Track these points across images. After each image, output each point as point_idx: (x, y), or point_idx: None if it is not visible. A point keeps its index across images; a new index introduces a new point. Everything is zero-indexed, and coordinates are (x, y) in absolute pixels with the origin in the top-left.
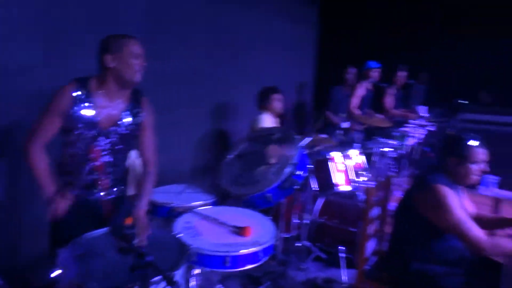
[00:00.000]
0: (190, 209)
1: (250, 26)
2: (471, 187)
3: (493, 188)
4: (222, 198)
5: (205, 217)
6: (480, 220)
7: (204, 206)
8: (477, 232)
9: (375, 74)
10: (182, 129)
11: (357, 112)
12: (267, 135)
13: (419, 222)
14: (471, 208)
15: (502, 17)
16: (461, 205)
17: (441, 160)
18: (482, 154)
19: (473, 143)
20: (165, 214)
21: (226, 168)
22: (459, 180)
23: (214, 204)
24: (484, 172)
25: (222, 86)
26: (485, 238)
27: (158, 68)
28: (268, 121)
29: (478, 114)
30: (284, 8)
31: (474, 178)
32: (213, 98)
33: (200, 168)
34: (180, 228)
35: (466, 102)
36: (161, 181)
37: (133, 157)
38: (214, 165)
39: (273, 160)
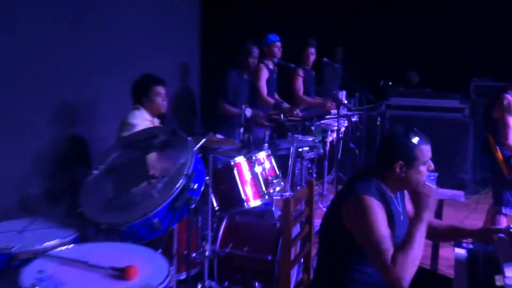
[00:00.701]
0: (41, 253)
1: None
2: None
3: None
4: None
5: (66, 260)
6: (430, 231)
7: (61, 246)
8: (387, 259)
9: (276, 49)
10: (17, 139)
11: (271, 100)
12: (146, 139)
13: (346, 237)
14: None
15: None
16: (403, 217)
17: (381, 166)
18: (429, 152)
19: (419, 140)
20: (2, 265)
21: (91, 188)
22: (406, 186)
23: (76, 241)
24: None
25: (73, 78)
26: (394, 265)
27: None
28: (142, 120)
29: (407, 98)
30: None
31: (423, 181)
32: (62, 95)
33: (50, 191)
34: (32, 280)
35: (392, 83)
36: None
37: None
38: (71, 186)
39: (157, 173)
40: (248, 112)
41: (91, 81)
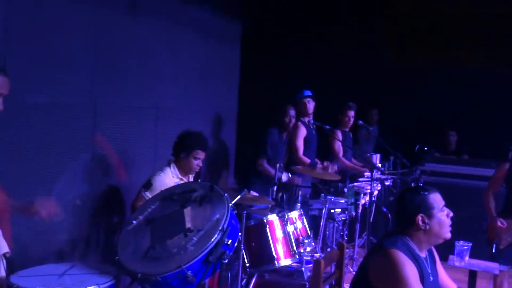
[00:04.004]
0: None
1: (147, 39)
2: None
3: (466, 258)
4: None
5: None
6: None
7: None
8: None
9: (307, 104)
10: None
11: (307, 160)
12: (185, 192)
13: None
14: (450, 283)
15: (465, 43)
16: (433, 278)
17: (405, 222)
18: (440, 199)
19: (428, 190)
20: None
21: (129, 237)
22: (435, 238)
23: None
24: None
25: (108, 127)
26: None
27: None
28: (165, 183)
29: (443, 164)
30: (196, 17)
31: (448, 229)
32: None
33: (88, 238)
34: None
35: (429, 148)
36: (27, 260)
37: None
38: (109, 234)
39: (193, 226)
40: (285, 176)
41: (125, 130)
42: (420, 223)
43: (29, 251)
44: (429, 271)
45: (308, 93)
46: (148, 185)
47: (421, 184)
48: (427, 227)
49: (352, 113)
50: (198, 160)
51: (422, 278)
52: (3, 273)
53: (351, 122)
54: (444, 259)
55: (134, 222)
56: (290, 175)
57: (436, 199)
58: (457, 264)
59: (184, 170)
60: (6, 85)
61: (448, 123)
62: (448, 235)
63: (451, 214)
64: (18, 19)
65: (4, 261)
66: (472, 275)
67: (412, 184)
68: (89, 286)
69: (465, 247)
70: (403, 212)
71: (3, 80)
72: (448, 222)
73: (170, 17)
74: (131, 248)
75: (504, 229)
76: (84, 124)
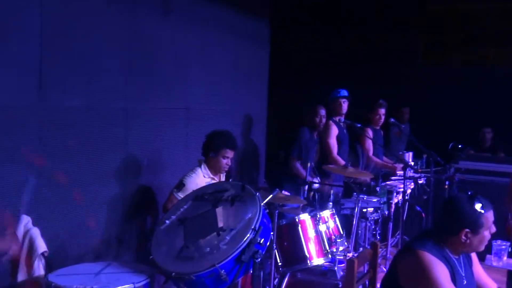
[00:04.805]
0: None
1: (179, 42)
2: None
3: (504, 257)
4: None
5: None
6: None
7: None
8: None
9: (340, 104)
10: (92, 189)
11: (341, 160)
12: (217, 192)
13: None
14: (490, 283)
15: (491, 43)
16: (467, 281)
17: (446, 231)
18: (492, 217)
19: (484, 207)
20: None
21: (162, 237)
22: (469, 250)
23: (147, 287)
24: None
25: (141, 130)
26: None
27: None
28: (197, 183)
29: (477, 162)
30: (226, 19)
31: (485, 244)
32: (131, 146)
33: (122, 237)
34: None
35: (463, 146)
36: (65, 259)
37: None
38: (143, 234)
39: (226, 225)
40: (317, 185)
41: (157, 132)
42: (463, 237)
43: (66, 250)
44: (463, 274)
45: (345, 93)
46: (180, 186)
47: (477, 195)
48: (468, 241)
49: (383, 111)
50: (226, 159)
51: (454, 280)
52: (42, 272)
53: (382, 120)
54: (481, 259)
55: (167, 221)
56: (320, 180)
57: (489, 218)
58: (494, 264)
59: (214, 169)
60: None
61: (483, 120)
62: (482, 249)
63: (494, 231)
64: (53, 26)
65: (43, 260)
66: (511, 275)
67: (463, 189)
68: (124, 285)
69: (503, 247)
70: (449, 221)
71: None
72: (488, 238)
73: (200, 21)
74: (164, 247)
75: None
76: (117, 126)
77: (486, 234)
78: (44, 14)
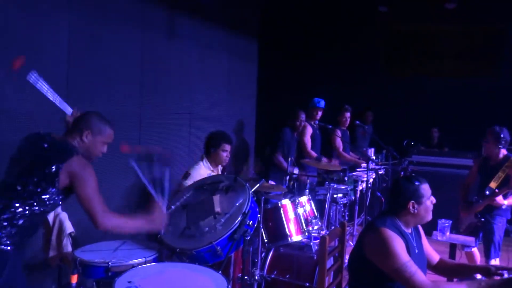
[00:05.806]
0: (130, 267)
1: (183, 59)
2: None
3: (447, 233)
4: (164, 253)
5: (150, 274)
6: (443, 267)
7: (146, 263)
8: (421, 278)
9: (317, 112)
10: (111, 179)
11: (314, 154)
12: (214, 183)
13: (369, 268)
14: (433, 254)
15: (448, 55)
16: (418, 250)
17: (397, 206)
18: (429, 188)
19: (420, 182)
20: (101, 275)
21: (168, 219)
22: (420, 220)
23: (156, 260)
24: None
25: (153, 131)
26: (428, 283)
27: None
28: (200, 173)
29: (427, 156)
30: (221, 40)
31: (431, 213)
32: (141, 141)
33: None
34: None
35: (414, 143)
36: (88, 238)
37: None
38: None
39: (221, 210)
40: (296, 171)
41: (164, 133)
42: (411, 208)
43: (89, 231)
44: (415, 244)
45: (322, 105)
46: (187, 176)
47: (413, 174)
48: (416, 211)
49: (348, 114)
50: (226, 152)
51: (409, 251)
52: (70, 248)
53: (348, 121)
54: (428, 234)
55: (173, 207)
56: (298, 172)
57: (426, 189)
58: (439, 238)
59: (215, 162)
60: (112, 136)
61: (431, 121)
62: (430, 218)
63: (435, 201)
64: (79, 44)
65: (70, 239)
66: (452, 248)
67: (406, 174)
68: (137, 259)
69: (446, 224)
70: (397, 198)
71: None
72: (431, 207)
73: (200, 42)
74: (170, 228)
75: (464, 215)
76: (133, 128)
77: (429, 204)
78: (71, 35)
